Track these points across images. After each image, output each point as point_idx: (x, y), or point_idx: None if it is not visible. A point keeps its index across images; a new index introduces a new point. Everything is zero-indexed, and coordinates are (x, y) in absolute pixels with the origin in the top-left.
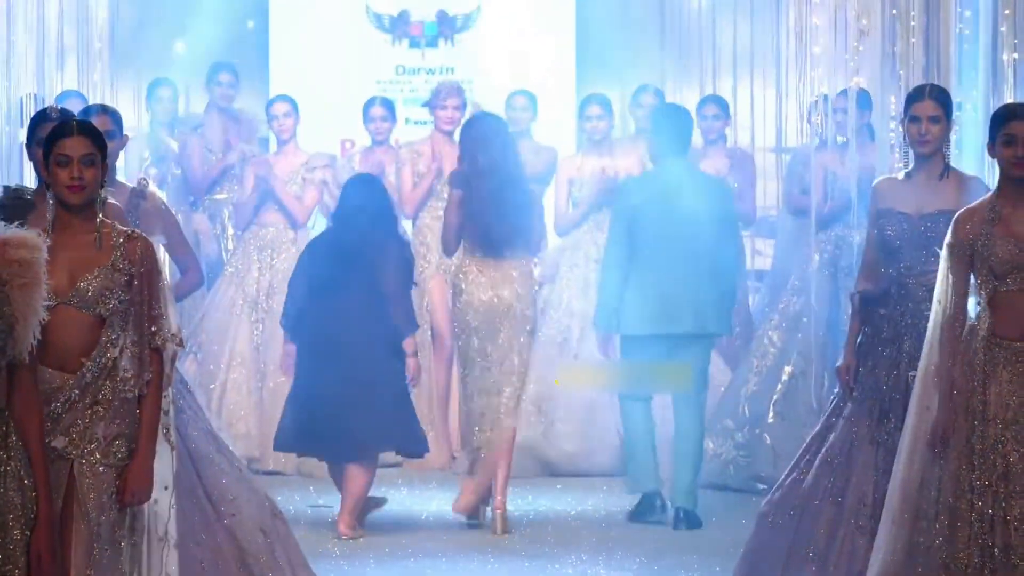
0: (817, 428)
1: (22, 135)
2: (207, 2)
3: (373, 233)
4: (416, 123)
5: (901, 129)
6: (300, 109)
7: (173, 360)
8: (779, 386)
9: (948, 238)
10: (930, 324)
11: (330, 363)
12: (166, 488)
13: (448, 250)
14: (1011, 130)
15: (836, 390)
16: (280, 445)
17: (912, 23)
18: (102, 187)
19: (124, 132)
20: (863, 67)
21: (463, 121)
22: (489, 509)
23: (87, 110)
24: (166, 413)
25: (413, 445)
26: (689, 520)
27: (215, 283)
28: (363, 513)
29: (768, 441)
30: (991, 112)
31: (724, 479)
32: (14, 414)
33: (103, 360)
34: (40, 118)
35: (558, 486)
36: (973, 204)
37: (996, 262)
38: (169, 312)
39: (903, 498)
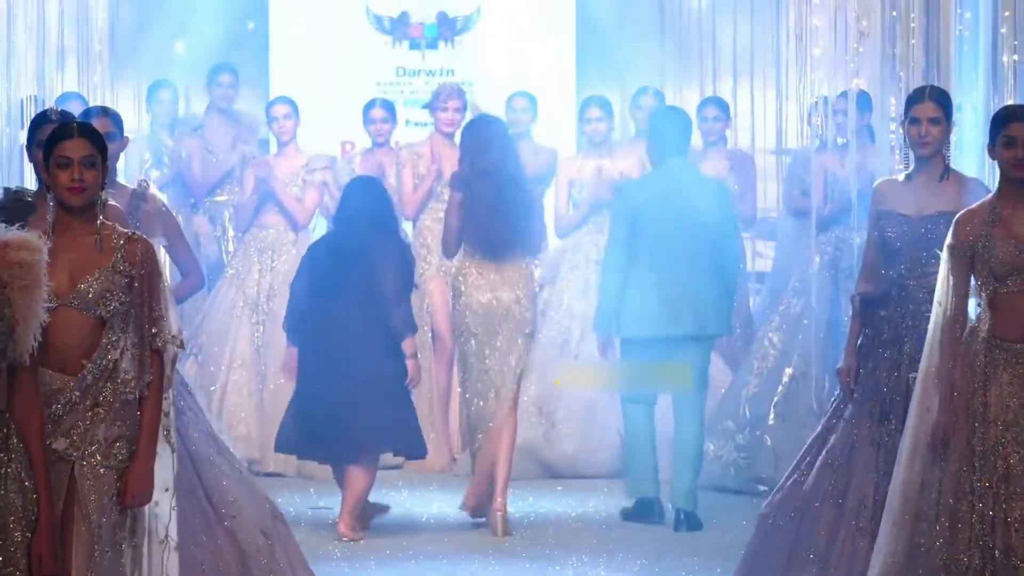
0: (818, 430)
1: (22, 137)
2: (207, 4)
3: (373, 235)
4: (416, 125)
5: (901, 131)
6: (300, 111)
7: (174, 362)
8: (780, 388)
9: (948, 240)
10: (930, 326)
11: (331, 365)
12: (167, 490)
13: (448, 252)
14: (1011, 132)
15: (837, 392)
16: (281, 447)
17: (912, 25)
18: (102, 189)
19: (124, 134)
20: (863, 69)
21: (464, 123)
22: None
23: (87, 112)
24: (167, 415)
25: (412, 447)
26: (689, 521)
27: (216, 285)
28: (367, 518)
29: (769, 443)
30: (991, 114)
31: (725, 481)
32: (15, 416)
33: (104, 362)
34: (40, 120)
35: (559, 488)
36: (973, 206)
37: (996, 264)
38: (170, 314)
39: (904, 500)
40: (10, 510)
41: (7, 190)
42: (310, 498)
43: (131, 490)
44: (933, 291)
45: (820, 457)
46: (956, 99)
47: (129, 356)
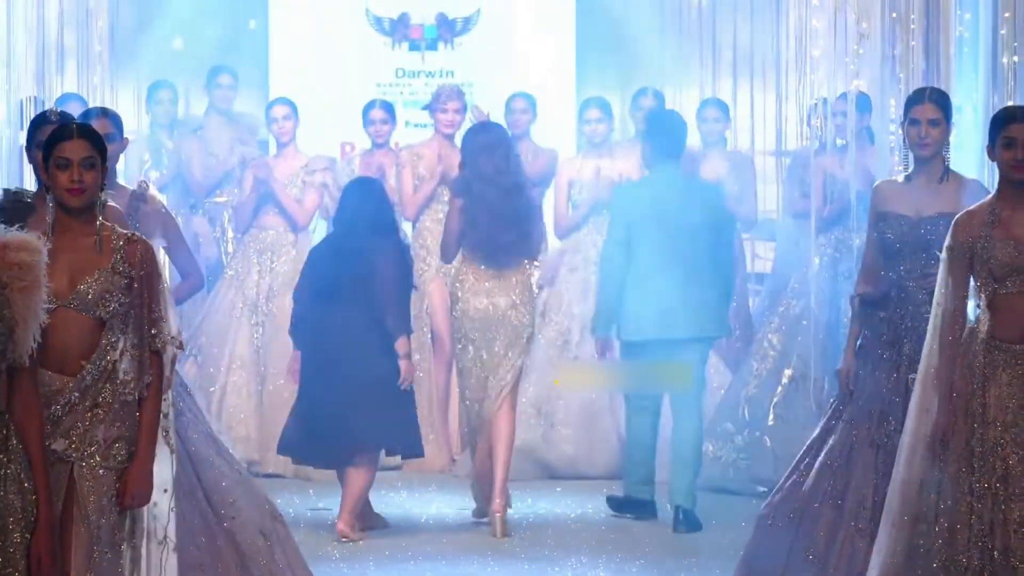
0: (817, 431)
1: (22, 138)
2: (207, 5)
3: (372, 236)
4: (416, 126)
5: (901, 132)
6: (300, 112)
7: (173, 363)
8: (779, 389)
9: (947, 241)
10: (930, 327)
11: (331, 366)
12: (165, 491)
13: (447, 257)
14: (1011, 133)
15: (836, 393)
16: (283, 450)
17: (912, 26)
18: (102, 190)
19: (124, 135)
20: (863, 70)
21: (463, 125)
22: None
23: (87, 113)
24: (166, 416)
25: (408, 445)
26: (688, 520)
27: (215, 286)
28: (366, 524)
29: (768, 444)
30: (991, 115)
31: (724, 482)
32: (14, 417)
33: (103, 363)
34: (40, 121)
35: (558, 489)
36: (972, 207)
37: (995, 265)
38: (169, 315)
39: (903, 501)
40: (9, 511)
41: (6, 191)
42: (309, 499)
43: (130, 491)
44: (932, 292)
45: (819, 458)
46: (956, 100)
47: (128, 357)
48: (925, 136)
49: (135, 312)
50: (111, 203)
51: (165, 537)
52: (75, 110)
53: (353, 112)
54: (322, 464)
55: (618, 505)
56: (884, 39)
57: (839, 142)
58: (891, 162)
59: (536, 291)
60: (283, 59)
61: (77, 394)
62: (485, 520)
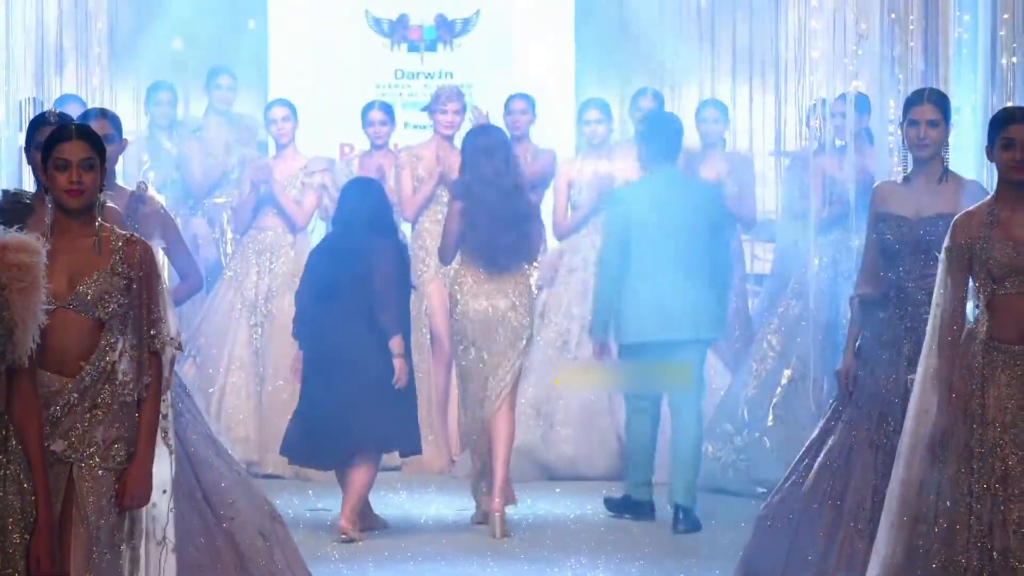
0: (816, 432)
1: (21, 139)
2: (207, 5)
3: (370, 235)
4: (415, 127)
5: (900, 133)
6: (299, 113)
7: (172, 364)
8: (778, 390)
9: (946, 242)
10: (929, 328)
11: (331, 365)
12: (164, 492)
13: (445, 259)
14: (1010, 134)
15: (835, 394)
16: (285, 452)
17: (911, 27)
18: (101, 191)
19: (123, 136)
20: (862, 71)
21: (463, 126)
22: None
23: (86, 114)
24: (165, 417)
25: (406, 441)
26: (688, 519)
27: (214, 287)
28: (365, 525)
29: (767, 444)
30: (990, 116)
31: (723, 482)
32: (13, 418)
33: (102, 364)
34: (39, 122)
35: (557, 489)
36: (971, 208)
37: (994, 265)
38: (168, 316)
39: (902, 501)
40: (9, 512)
41: (5, 192)
42: (308, 500)
43: (129, 492)
44: (931, 293)
45: (819, 459)
46: (955, 101)
47: (127, 358)
48: (924, 137)
49: (134, 313)
50: (110, 204)
51: (164, 538)
52: (74, 111)
53: (352, 113)
54: (324, 465)
55: (616, 506)
56: (883, 40)
57: (838, 143)
58: (890, 163)
59: (535, 292)
60: (282, 60)
61: (76, 395)
62: (484, 524)
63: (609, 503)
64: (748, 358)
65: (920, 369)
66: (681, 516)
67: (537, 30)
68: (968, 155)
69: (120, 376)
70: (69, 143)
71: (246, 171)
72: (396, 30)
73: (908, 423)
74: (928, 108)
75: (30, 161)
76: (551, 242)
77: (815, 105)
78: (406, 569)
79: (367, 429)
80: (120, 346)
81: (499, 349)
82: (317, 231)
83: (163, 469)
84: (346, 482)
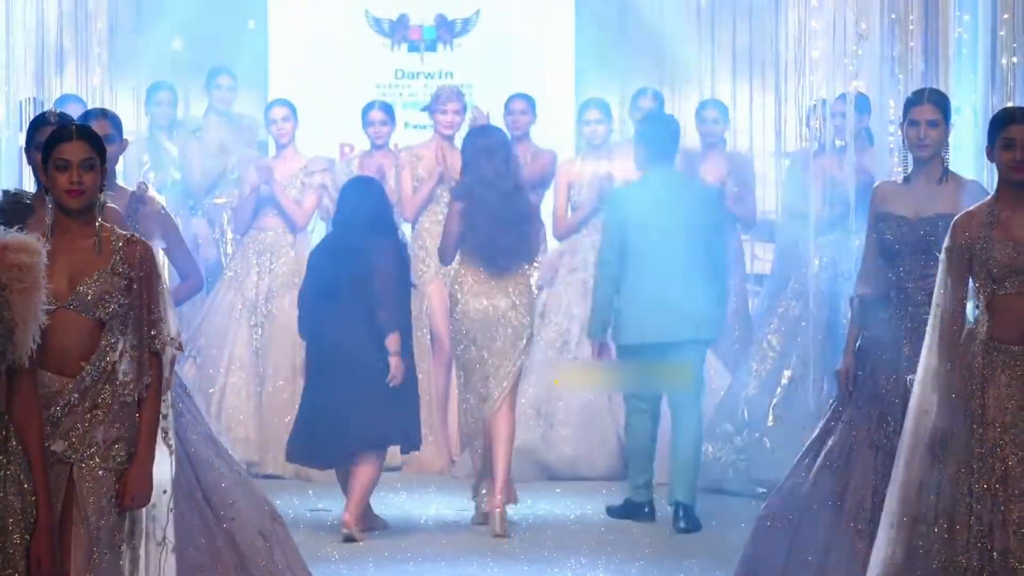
0: (816, 432)
1: (21, 139)
2: (206, 6)
3: (370, 234)
4: (415, 127)
5: (900, 133)
6: (299, 113)
7: (172, 364)
8: (778, 390)
9: (946, 242)
10: (928, 328)
11: (332, 365)
12: (165, 492)
13: (445, 259)
14: (1010, 134)
15: (835, 394)
16: (289, 455)
17: (911, 27)
18: (101, 191)
19: (123, 136)
20: (862, 71)
21: (463, 126)
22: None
23: (86, 114)
24: (165, 417)
25: (405, 436)
26: (688, 518)
27: (214, 287)
28: (366, 528)
29: (767, 445)
30: (990, 116)
31: (723, 483)
32: (14, 418)
33: (102, 364)
34: (39, 122)
35: (557, 490)
36: (971, 208)
37: (994, 266)
38: (168, 316)
39: (902, 502)
40: (9, 512)
41: (6, 192)
42: (309, 500)
43: (130, 492)
44: (931, 293)
45: (819, 459)
46: (955, 101)
47: (128, 358)
48: (924, 137)
49: (134, 313)
50: (110, 204)
51: (164, 538)
52: (74, 111)
53: (352, 113)
54: (326, 464)
55: (617, 513)
56: (883, 40)
57: (838, 143)
58: (890, 163)
59: (535, 292)
60: (282, 60)
61: (76, 395)
62: (484, 524)
63: (611, 511)
64: (748, 358)
65: (920, 369)
66: (681, 514)
67: (537, 30)
68: (968, 155)
69: (120, 376)
70: (69, 143)
71: (246, 171)
72: (396, 30)
73: (908, 423)
74: (928, 108)
75: (30, 161)
76: (551, 242)
77: (815, 105)
78: (406, 569)
79: (368, 427)
80: (120, 346)
81: (499, 348)
82: (317, 231)
83: (163, 469)
84: (348, 481)
